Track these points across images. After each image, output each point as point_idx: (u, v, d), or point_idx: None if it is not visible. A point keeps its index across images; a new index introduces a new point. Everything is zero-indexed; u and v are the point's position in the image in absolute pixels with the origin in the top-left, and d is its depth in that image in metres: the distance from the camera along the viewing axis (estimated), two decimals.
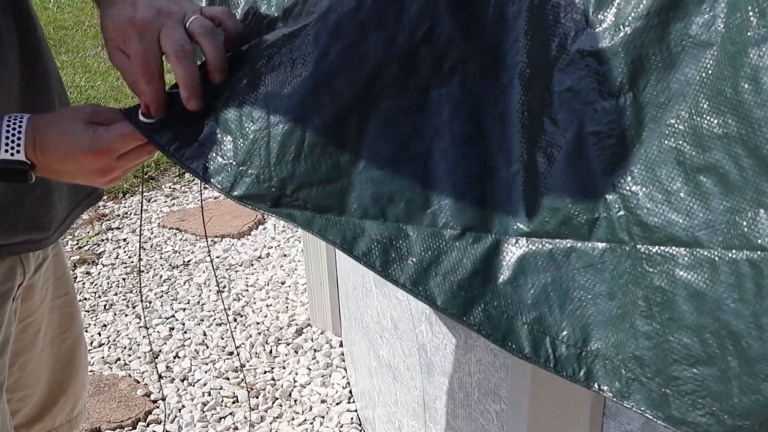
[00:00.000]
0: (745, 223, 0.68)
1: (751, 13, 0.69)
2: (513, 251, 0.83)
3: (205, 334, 2.84)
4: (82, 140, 0.93)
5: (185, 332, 2.86)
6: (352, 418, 2.33)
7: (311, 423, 2.34)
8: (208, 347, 2.76)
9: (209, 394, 2.50)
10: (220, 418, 2.39)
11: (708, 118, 0.73)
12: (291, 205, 0.90)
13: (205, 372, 2.62)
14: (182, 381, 2.58)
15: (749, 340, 0.67)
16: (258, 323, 2.89)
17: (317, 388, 2.49)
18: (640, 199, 0.76)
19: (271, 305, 3.00)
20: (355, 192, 0.89)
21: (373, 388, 2.10)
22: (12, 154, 0.91)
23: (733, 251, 0.69)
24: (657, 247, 0.74)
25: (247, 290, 3.13)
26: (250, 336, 2.81)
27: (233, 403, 2.46)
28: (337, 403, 2.41)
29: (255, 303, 3.03)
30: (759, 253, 0.67)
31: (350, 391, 2.46)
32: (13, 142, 0.91)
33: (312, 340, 2.75)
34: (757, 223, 0.67)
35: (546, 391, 1.19)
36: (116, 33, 0.95)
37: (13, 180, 0.94)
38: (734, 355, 0.69)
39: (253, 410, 2.41)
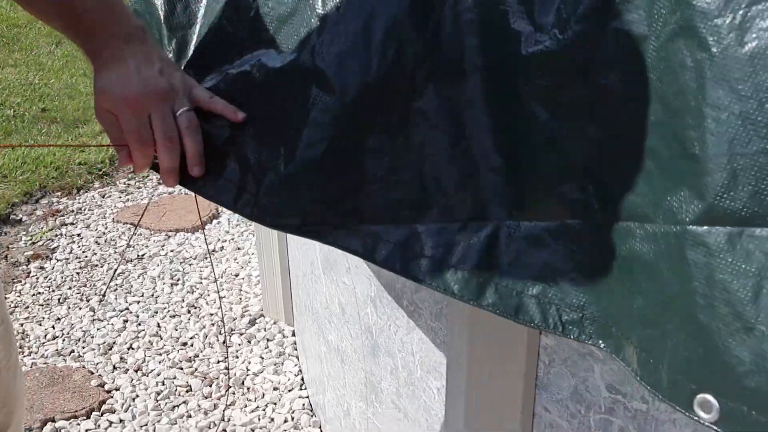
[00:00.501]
0: (674, 201, 0.74)
1: (665, 11, 0.75)
2: (511, 235, 0.91)
3: (159, 326, 2.85)
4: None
5: (139, 324, 2.86)
6: (303, 404, 2.36)
7: (263, 410, 2.36)
8: (162, 338, 2.77)
9: (163, 384, 2.51)
10: (174, 407, 2.40)
11: (645, 106, 0.79)
12: (314, 224, 0.98)
13: (159, 362, 2.63)
14: (136, 371, 2.59)
15: (680, 305, 0.74)
16: (212, 314, 2.90)
17: (270, 376, 2.52)
18: (606, 181, 0.84)
19: (224, 297, 3.02)
20: (365, 204, 0.98)
21: (323, 373, 2.14)
22: None
23: (668, 225, 0.75)
24: (621, 223, 0.82)
25: (201, 283, 3.14)
26: (204, 327, 2.82)
27: (187, 392, 2.48)
28: (289, 390, 2.44)
29: (209, 295, 3.05)
30: (679, 227, 0.73)
31: (302, 378, 2.48)
32: None
33: (265, 330, 2.77)
34: (681, 200, 0.74)
35: (482, 367, 1.23)
36: (107, 101, 0.98)
37: None
38: (671, 319, 0.75)
39: (206, 398, 2.43)
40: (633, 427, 1.09)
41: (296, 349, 2.66)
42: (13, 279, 3.22)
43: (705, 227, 0.72)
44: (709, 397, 0.72)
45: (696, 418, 0.74)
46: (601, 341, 0.86)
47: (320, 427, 2.25)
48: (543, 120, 0.88)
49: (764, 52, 0.68)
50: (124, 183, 4.18)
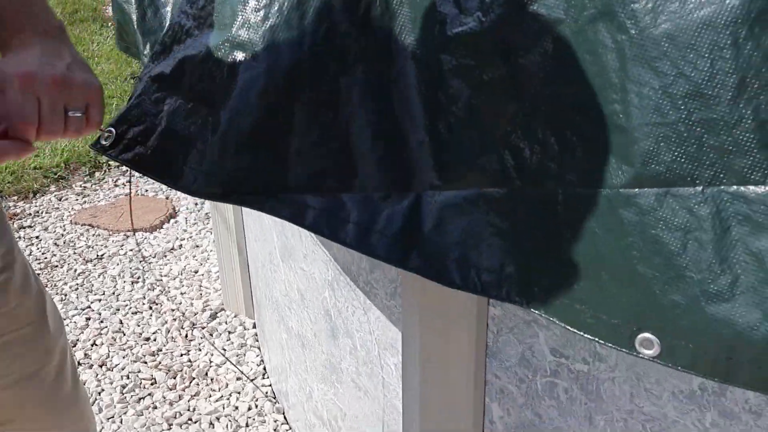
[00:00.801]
0: (604, 168, 0.83)
1: None
2: (432, 203, 0.97)
3: (121, 322, 2.88)
4: None
5: (101, 321, 2.89)
6: (266, 392, 2.41)
7: (227, 399, 2.41)
8: (124, 334, 2.80)
9: (128, 377, 2.55)
10: (140, 399, 2.44)
11: (564, 83, 0.86)
12: (241, 193, 1.05)
13: (123, 357, 2.66)
14: (101, 366, 2.62)
15: (616, 258, 0.82)
16: (173, 310, 2.94)
17: (232, 366, 2.56)
18: (524, 150, 0.90)
19: (185, 293, 3.05)
20: (291, 173, 1.03)
21: (285, 360, 2.19)
22: None
23: (598, 190, 0.83)
24: (540, 189, 0.89)
25: (161, 280, 3.17)
26: (166, 322, 2.85)
27: (152, 384, 2.51)
28: (252, 380, 2.49)
29: (170, 291, 3.08)
30: (610, 191, 0.82)
31: (264, 368, 2.53)
32: None
33: (226, 323, 2.81)
34: (611, 167, 0.82)
35: (434, 339, 1.29)
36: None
37: None
38: (606, 272, 0.84)
39: (171, 390, 2.47)
40: (576, 387, 1.16)
41: (257, 341, 2.70)
42: None
43: (636, 190, 0.80)
44: (650, 336, 0.80)
45: (639, 355, 0.81)
46: (518, 298, 0.92)
47: (284, 414, 2.30)
48: (465, 96, 0.94)
49: (675, 32, 0.75)
50: (80, 186, 4.18)
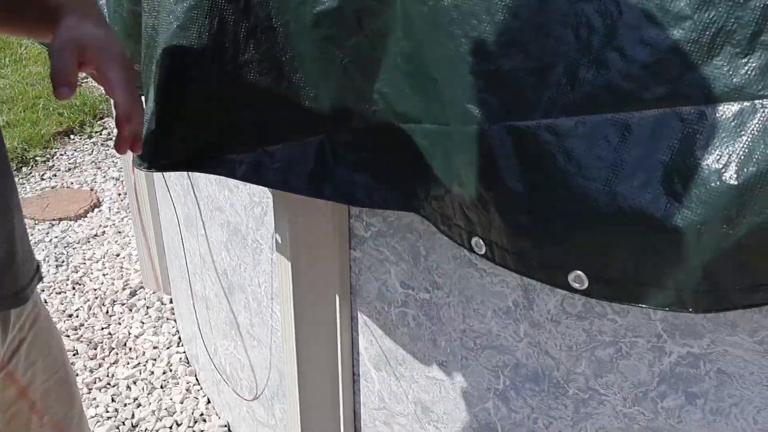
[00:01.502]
0: (462, 108, 0.95)
1: None
2: (337, 144, 1.14)
3: (45, 302, 2.97)
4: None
5: None
6: (180, 358, 2.54)
7: (144, 365, 2.53)
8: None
9: None
10: None
11: (405, 44, 1.03)
12: (187, 161, 1.21)
13: None
14: None
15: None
16: (95, 289, 3.04)
17: (150, 337, 2.68)
18: (389, 95, 1.06)
19: (107, 274, 3.15)
20: (222, 139, 1.20)
21: (194, 324, 2.31)
22: None
23: (463, 126, 0.96)
24: (407, 125, 1.05)
25: (85, 263, 3.27)
26: (88, 300, 2.96)
27: (74, 355, 2.62)
28: (167, 348, 2.61)
29: (92, 273, 3.18)
30: (476, 126, 0.94)
31: (179, 337, 2.66)
32: None
33: (145, 299, 2.93)
34: (468, 107, 0.95)
35: (305, 280, 1.44)
36: (78, 45, 0.97)
37: None
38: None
39: (91, 359, 2.58)
40: (422, 314, 1.32)
41: (174, 314, 2.82)
42: None
43: (496, 126, 0.94)
44: (580, 273, 0.89)
45: (571, 290, 0.90)
46: (425, 213, 1.07)
47: (195, 375, 2.43)
48: (337, 58, 1.10)
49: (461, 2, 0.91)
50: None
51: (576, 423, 1.17)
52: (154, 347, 2.62)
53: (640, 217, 0.83)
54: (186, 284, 2.33)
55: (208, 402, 2.29)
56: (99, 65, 0.99)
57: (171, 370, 2.49)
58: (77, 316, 2.85)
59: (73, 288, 3.06)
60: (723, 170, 0.78)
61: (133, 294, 2.97)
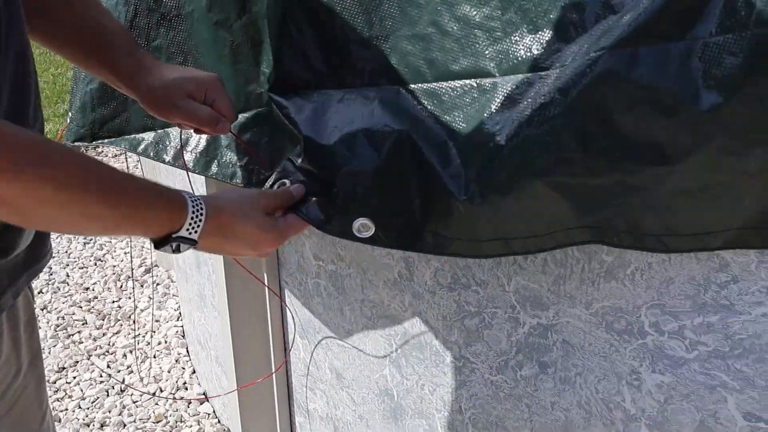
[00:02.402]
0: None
1: None
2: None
3: (68, 275, 3.10)
4: (269, 233, 0.96)
5: (51, 274, 3.12)
6: (177, 332, 2.63)
7: (143, 336, 2.63)
8: (68, 285, 3.03)
9: (63, 318, 2.77)
10: (69, 335, 2.66)
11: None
12: (100, 137, 1.33)
13: (62, 303, 2.88)
14: (42, 309, 2.84)
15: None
16: (114, 266, 3.16)
17: (154, 311, 2.78)
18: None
19: (128, 252, 3.27)
20: (132, 119, 1.31)
21: (186, 300, 2.40)
22: (190, 233, 0.86)
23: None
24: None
25: (110, 242, 3.40)
26: (106, 275, 3.08)
27: (82, 324, 2.74)
28: (167, 321, 2.71)
29: (115, 251, 3.30)
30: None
31: (180, 313, 2.75)
32: (196, 224, 0.86)
33: (157, 276, 3.04)
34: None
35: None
36: (190, 83, 1.04)
37: (164, 249, 0.88)
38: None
39: (98, 329, 2.69)
40: (331, 285, 1.38)
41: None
42: None
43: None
44: (367, 221, 0.96)
45: (356, 238, 0.97)
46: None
47: (186, 348, 2.52)
48: (227, 42, 1.17)
49: None
50: None
51: (454, 390, 1.21)
52: (156, 321, 2.72)
53: (429, 173, 0.90)
54: (180, 260, 2.42)
55: (193, 372, 2.37)
56: (212, 97, 1.06)
57: (166, 342, 2.58)
58: (93, 290, 2.97)
59: (95, 264, 3.19)
60: (498, 133, 0.83)
61: (147, 271, 3.08)
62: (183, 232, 0.85)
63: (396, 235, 0.95)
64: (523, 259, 1.01)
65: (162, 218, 0.84)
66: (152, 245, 0.88)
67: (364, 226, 0.97)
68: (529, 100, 0.80)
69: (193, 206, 0.86)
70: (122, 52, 1.05)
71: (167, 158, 1.28)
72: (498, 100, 0.84)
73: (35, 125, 0.91)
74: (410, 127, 0.91)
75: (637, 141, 0.73)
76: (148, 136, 1.30)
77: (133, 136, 1.32)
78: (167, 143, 1.29)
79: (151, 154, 1.30)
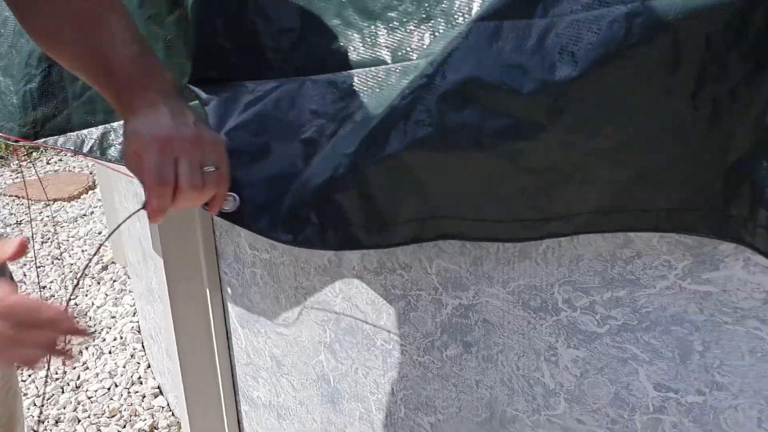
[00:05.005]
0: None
1: None
2: None
3: (24, 275, 3.07)
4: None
5: None
6: (132, 327, 2.61)
7: (99, 333, 2.61)
8: (25, 284, 3.00)
9: None
10: None
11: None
12: (44, 136, 1.31)
13: None
14: None
15: None
16: (72, 264, 3.13)
17: (110, 307, 2.76)
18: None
19: (85, 250, 3.25)
20: (73, 116, 1.29)
21: (138, 296, 2.39)
22: None
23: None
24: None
25: (68, 240, 3.37)
26: (63, 274, 3.05)
27: None
28: (123, 317, 2.69)
29: (72, 249, 3.28)
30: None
31: (135, 309, 2.74)
32: None
33: (113, 273, 3.02)
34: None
35: (173, 241, 1.50)
36: (136, 142, 0.87)
37: None
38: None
39: None
40: (266, 274, 1.38)
41: None
42: None
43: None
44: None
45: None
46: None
47: (142, 342, 2.51)
48: (161, 36, 1.16)
49: None
50: (17, 164, 4.37)
51: (385, 372, 1.21)
52: (112, 317, 2.70)
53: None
54: (130, 255, 2.41)
55: (149, 366, 2.37)
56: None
57: (122, 337, 2.57)
58: (50, 288, 2.95)
59: (53, 263, 3.16)
60: (377, 117, 0.83)
61: (104, 268, 3.06)
62: None
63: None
64: (443, 242, 1.02)
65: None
66: None
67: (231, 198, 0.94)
68: (406, 81, 0.80)
69: None
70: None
71: (113, 156, 1.26)
72: (388, 85, 0.85)
73: None
74: (306, 116, 0.91)
75: (494, 115, 0.71)
76: (92, 134, 1.29)
77: (76, 133, 1.31)
78: (111, 139, 1.27)
79: (98, 153, 1.28)
